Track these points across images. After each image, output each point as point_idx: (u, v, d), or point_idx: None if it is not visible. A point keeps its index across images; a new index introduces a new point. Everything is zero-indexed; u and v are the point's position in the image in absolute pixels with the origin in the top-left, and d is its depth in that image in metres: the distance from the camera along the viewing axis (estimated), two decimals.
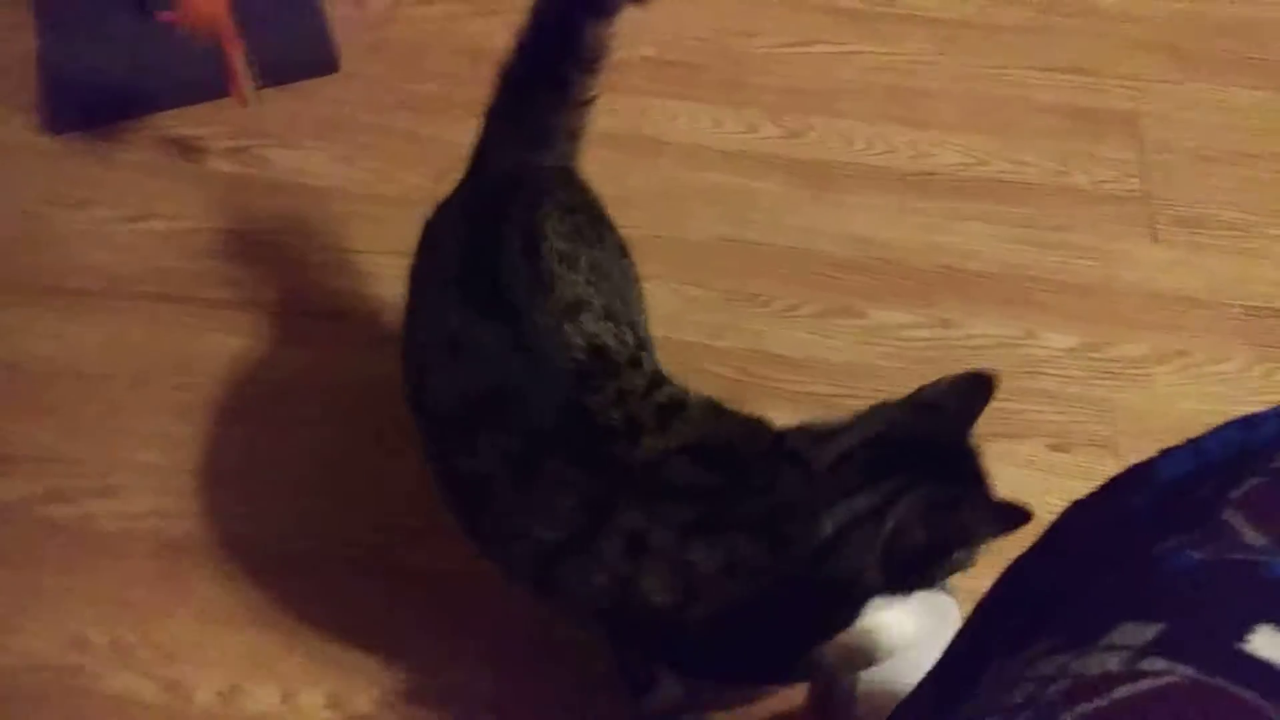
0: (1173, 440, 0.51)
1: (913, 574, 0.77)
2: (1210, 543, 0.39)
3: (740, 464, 0.79)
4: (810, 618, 0.79)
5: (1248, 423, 0.44)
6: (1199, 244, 1.36)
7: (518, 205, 0.88)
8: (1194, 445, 0.45)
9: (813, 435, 0.80)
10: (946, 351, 1.27)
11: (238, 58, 1.30)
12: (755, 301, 1.31)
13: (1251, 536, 0.38)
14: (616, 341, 0.84)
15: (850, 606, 0.79)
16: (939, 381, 0.81)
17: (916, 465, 0.76)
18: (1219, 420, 0.53)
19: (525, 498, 0.79)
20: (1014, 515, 0.71)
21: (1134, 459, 0.53)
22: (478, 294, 0.83)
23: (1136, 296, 1.31)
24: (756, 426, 0.83)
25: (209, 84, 1.39)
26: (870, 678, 0.97)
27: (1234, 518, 0.39)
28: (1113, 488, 0.49)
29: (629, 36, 1.56)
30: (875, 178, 1.43)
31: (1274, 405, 0.47)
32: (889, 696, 0.91)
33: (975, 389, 0.79)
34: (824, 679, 0.95)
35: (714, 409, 0.83)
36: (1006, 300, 1.31)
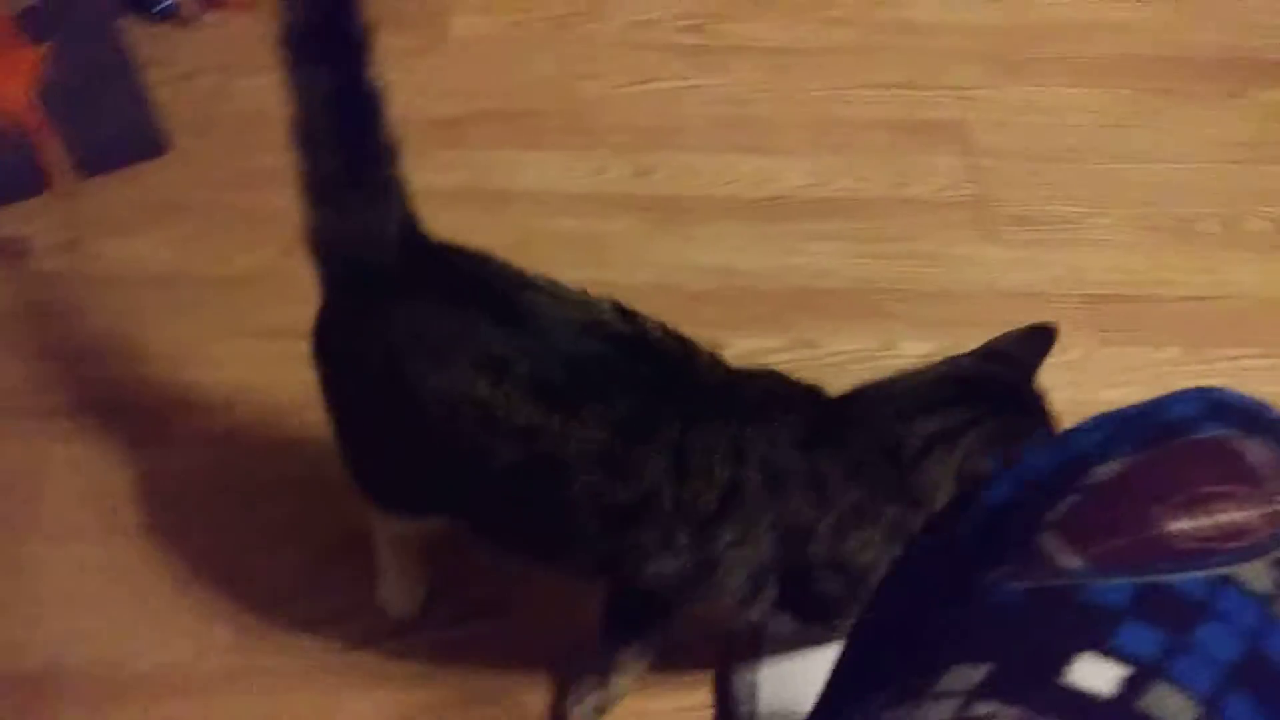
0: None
1: None
2: (1030, 571, 0.39)
3: (820, 394, 0.88)
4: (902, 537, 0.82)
5: (1063, 439, 0.45)
6: (1035, 240, 1.42)
7: (464, 262, 0.87)
8: (1015, 467, 0.46)
9: (878, 381, 0.88)
10: (811, 371, 1.26)
11: (52, 149, 1.24)
12: None
13: (1068, 560, 0.39)
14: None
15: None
16: (1006, 333, 0.90)
17: (984, 403, 0.83)
18: (1073, 410, 0.55)
19: (685, 483, 0.80)
20: None
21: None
22: (548, 340, 0.81)
23: (983, 297, 1.36)
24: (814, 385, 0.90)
25: (27, 180, 1.32)
26: (772, 701, 0.98)
27: (1050, 542, 0.40)
28: (942, 518, 0.49)
29: (467, 91, 1.58)
30: (725, 208, 1.46)
31: (1098, 413, 0.48)
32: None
33: (1039, 338, 0.89)
34: None
35: (769, 370, 0.89)
36: (862, 314, 1.34)
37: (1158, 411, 0.43)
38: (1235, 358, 1.31)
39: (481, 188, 1.47)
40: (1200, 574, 0.37)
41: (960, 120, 1.55)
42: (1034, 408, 0.86)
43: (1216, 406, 0.42)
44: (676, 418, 0.80)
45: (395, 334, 0.83)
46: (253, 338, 1.29)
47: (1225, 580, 0.37)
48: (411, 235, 0.88)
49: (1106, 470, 0.41)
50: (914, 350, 1.31)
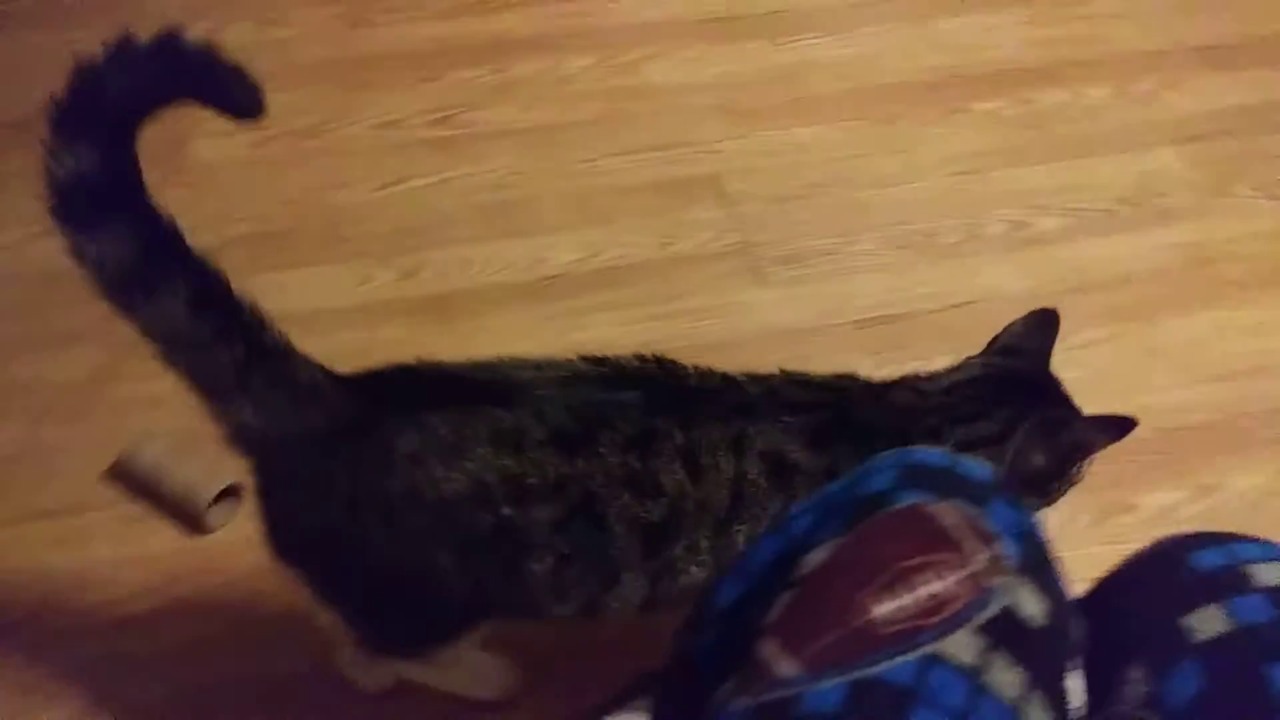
0: None
1: (1033, 494, 0.88)
2: (752, 685, 0.39)
3: (844, 387, 0.90)
4: None
5: (779, 526, 0.46)
6: (801, 277, 1.48)
7: (411, 374, 0.86)
8: (741, 564, 0.46)
9: (913, 376, 0.92)
10: None
11: None
12: None
13: (785, 667, 0.39)
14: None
15: None
16: (1011, 325, 0.95)
17: (1020, 398, 0.89)
18: None
19: (700, 484, 0.82)
20: (1122, 424, 0.85)
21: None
22: (545, 401, 0.81)
23: (760, 340, 1.40)
24: (846, 374, 0.93)
25: None
26: None
27: (768, 648, 0.40)
28: (687, 625, 0.49)
29: (218, 219, 1.52)
30: (500, 296, 1.44)
31: (811, 494, 0.49)
32: None
33: (1043, 324, 0.95)
34: None
35: (780, 371, 0.92)
36: None
37: (857, 486, 0.44)
38: None
39: None
40: (908, 658, 0.38)
41: (712, 173, 1.60)
42: (1060, 396, 0.92)
43: (911, 472, 0.44)
44: (677, 426, 0.82)
45: (399, 464, 0.80)
46: (14, 525, 1.19)
47: (933, 660, 0.38)
48: (336, 376, 0.85)
49: (815, 559, 0.41)
50: None
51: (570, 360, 0.86)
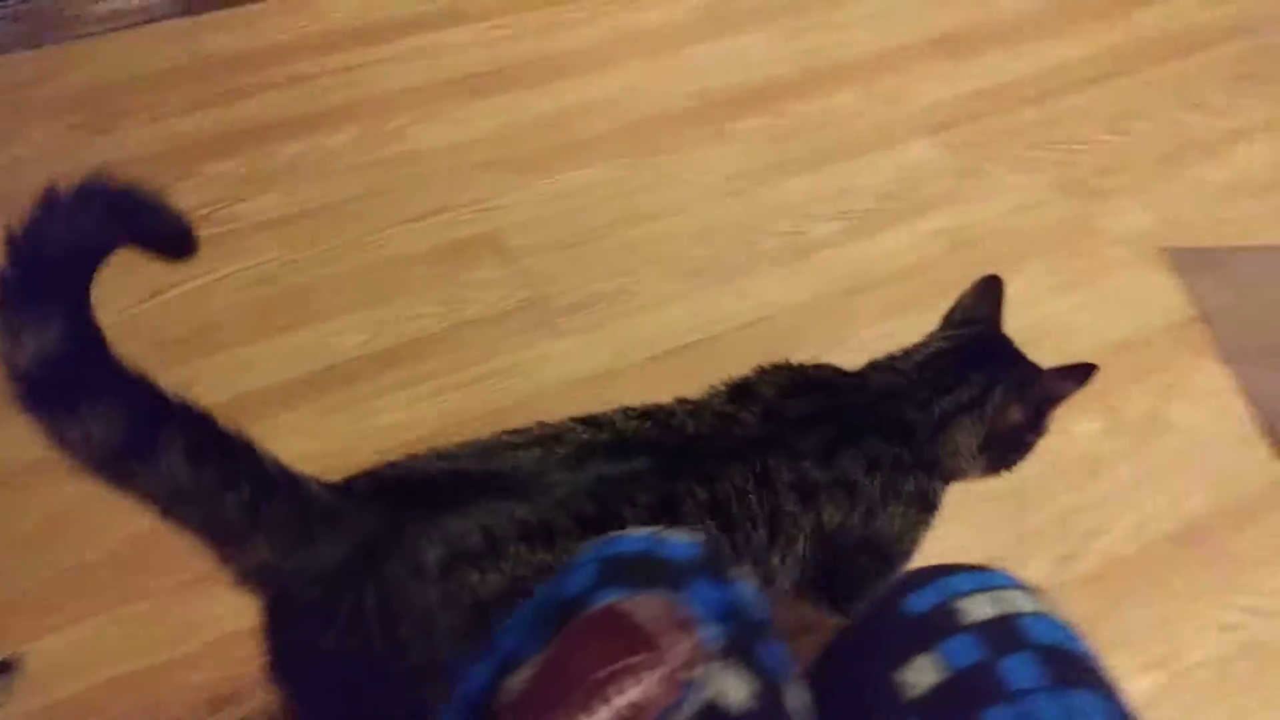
0: None
1: (1012, 449, 0.97)
2: None
3: (831, 383, 0.95)
4: (924, 502, 0.93)
5: (486, 651, 0.43)
6: (593, 322, 1.47)
7: (398, 478, 0.84)
8: (453, 698, 0.43)
9: (887, 356, 0.99)
10: None
11: None
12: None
13: None
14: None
15: (944, 483, 0.95)
16: (961, 297, 1.03)
17: (988, 362, 0.96)
18: None
19: (735, 532, 0.83)
20: (1085, 370, 0.93)
21: None
22: (557, 486, 0.80)
23: (562, 392, 1.38)
24: (822, 364, 0.98)
25: None
26: None
27: None
28: None
29: None
30: (285, 396, 1.38)
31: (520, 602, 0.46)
32: None
33: (989, 290, 1.03)
34: None
35: (781, 366, 0.96)
36: None
37: (558, 589, 0.42)
38: None
39: (5, 469, 1.29)
40: None
41: (492, 230, 1.59)
42: (1019, 355, 0.99)
43: (609, 565, 0.42)
44: (695, 482, 0.83)
45: (431, 574, 0.76)
46: None
47: None
48: (338, 490, 0.81)
49: (518, 681, 0.39)
50: None
51: (564, 430, 0.86)
